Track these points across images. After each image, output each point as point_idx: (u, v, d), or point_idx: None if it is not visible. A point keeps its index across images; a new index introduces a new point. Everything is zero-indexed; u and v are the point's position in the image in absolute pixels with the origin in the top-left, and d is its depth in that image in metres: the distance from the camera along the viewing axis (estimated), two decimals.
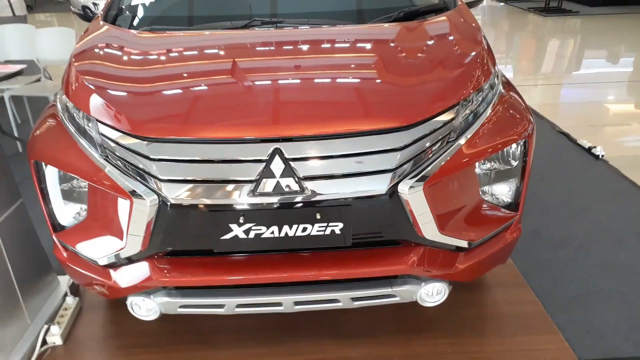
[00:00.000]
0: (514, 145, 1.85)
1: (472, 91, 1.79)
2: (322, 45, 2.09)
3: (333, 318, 2.21)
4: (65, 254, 1.88)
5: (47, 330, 2.14)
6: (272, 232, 1.62)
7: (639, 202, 3.24)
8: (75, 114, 1.81)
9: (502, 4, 11.70)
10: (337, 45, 2.10)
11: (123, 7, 2.44)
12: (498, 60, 7.01)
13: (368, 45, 2.10)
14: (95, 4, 2.63)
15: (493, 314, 2.26)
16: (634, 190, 3.37)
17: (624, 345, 2.14)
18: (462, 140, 1.72)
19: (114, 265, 1.76)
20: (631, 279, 2.53)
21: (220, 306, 1.76)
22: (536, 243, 2.83)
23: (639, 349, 2.12)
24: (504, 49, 8.21)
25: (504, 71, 6.60)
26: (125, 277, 1.75)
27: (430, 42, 2.10)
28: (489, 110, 1.84)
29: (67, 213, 1.87)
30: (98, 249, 1.75)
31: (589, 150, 3.91)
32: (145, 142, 1.61)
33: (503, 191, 1.89)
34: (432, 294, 1.85)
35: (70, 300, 2.32)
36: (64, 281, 2.42)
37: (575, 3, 10.47)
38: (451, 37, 2.14)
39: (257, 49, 2.07)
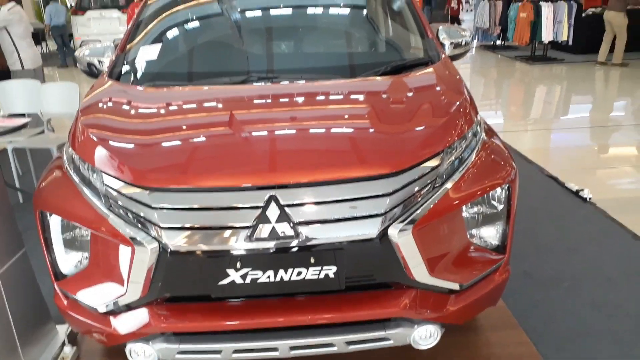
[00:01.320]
0: (498, 190, 1.94)
1: (456, 139, 1.90)
2: (315, 98, 2.22)
3: None
4: (65, 302, 1.93)
5: None
6: (268, 277, 1.68)
7: (626, 242, 3.32)
8: (80, 166, 1.90)
9: (491, 52, 12.12)
10: (328, 97, 2.23)
11: (127, 63, 2.58)
12: (489, 106, 7.18)
13: (358, 97, 2.23)
14: (100, 62, 2.77)
15: (486, 356, 2.29)
16: (621, 232, 3.45)
17: None
18: (448, 185, 1.81)
19: (114, 312, 1.80)
20: (621, 318, 2.57)
21: (218, 352, 1.79)
22: (528, 284, 2.87)
23: None
24: (493, 95, 8.48)
25: (494, 117, 6.84)
26: (124, 323, 1.79)
27: (415, 94, 2.23)
28: (473, 156, 1.95)
29: (69, 261, 1.93)
30: (98, 296, 1.80)
31: (576, 193, 4.01)
32: (147, 191, 1.69)
33: (490, 234, 1.97)
34: (425, 336, 1.88)
35: (68, 350, 2.33)
36: (62, 330, 2.44)
37: (559, 51, 10.87)
38: (435, 89, 2.28)
39: (253, 102, 2.19)
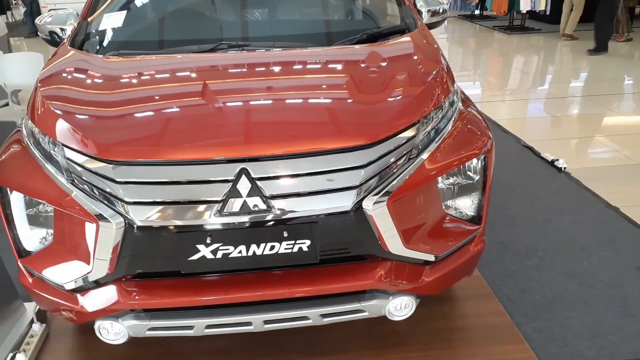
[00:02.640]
0: (474, 160, 1.92)
1: (432, 109, 1.86)
2: (287, 67, 2.15)
3: (307, 335, 2.22)
4: (30, 280, 1.86)
5: (13, 358, 2.09)
6: (240, 252, 1.64)
7: (600, 212, 3.36)
8: (40, 139, 1.81)
9: (469, 22, 12.04)
10: (301, 66, 2.16)
11: (90, 32, 2.45)
12: (467, 76, 7.16)
13: (332, 67, 2.16)
14: (62, 29, 2.63)
15: (462, 326, 2.30)
16: (595, 201, 3.50)
17: (587, 352, 2.20)
18: (424, 156, 1.78)
19: (81, 290, 1.75)
20: (593, 286, 2.62)
21: (190, 327, 1.76)
22: (503, 254, 2.90)
23: (602, 354, 2.19)
24: (471, 65, 8.44)
25: (472, 87, 6.83)
26: (92, 301, 1.74)
27: (391, 63, 2.17)
28: (449, 126, 1.91)
29: (33, 238, 1.85)
30: (64, 273, 1.74)
31: (552, 163, 4.04)
32: (112, 165, 1.62)
33: (466, 205, 1.95)
34: (400, 307, 1.88)
35: (37, 328, 2.27)
36: (31, 308, 2.37)
37: (537, 21, 10.85)
38: (412, 58, 2.22)
39: (224, 71, 2.11)
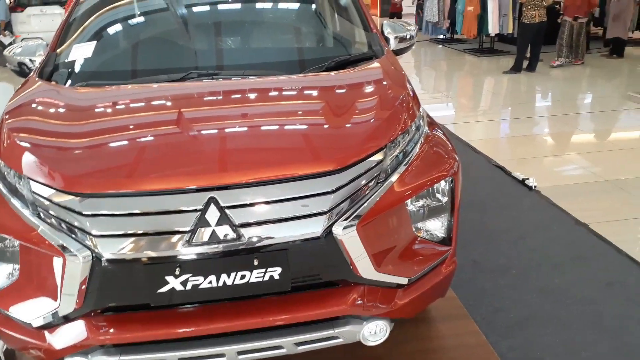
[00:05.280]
0: (442, 182, 1.95)
1: (399, 133, 1.90)
2: (256, 95, 2.16)
3: None
4: None
5: None
6: (210, 282, 1.62)
7: (570, 229, 3.43)
8: (6, 173, 1.78)
9: (440, 46, 12.34)
10: (270, 94, 2.18)
11: (59, 63, 2.44)
12: (439, 98, 7.30)
13: (300, 94, 2.19)
14: (32, 60, 2.61)
15: (438, 347, 2.31)
16: (565, 218, 3.57)
17: None
18: (392, 179, 1.80)
19: (49, 326, 1.70)
20: (566, 302, 2.66)
21: None
22: (477, 273, 2.93)
23: None
24: (444, 88, 8.63)
25: (445, 109, 6.97)
26: (60, 337, 1.69)
27: (358, 89, 2.21)
28: (417, 150, 1.95)
29: None
30: (31, 310, 1.70)
31: (522, 182, 4.12)
32: (78, 197, 1.60)
33: (435, 227, 1.98)
34: (374, 332, 1.87)
35: None
36: None
37: (506, 44, 11.17)
38: (378, 84, 2.27)
39: (192, 100, 2.11)
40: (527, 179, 4.10)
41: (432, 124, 2.24)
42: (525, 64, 8.79)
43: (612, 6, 9.51)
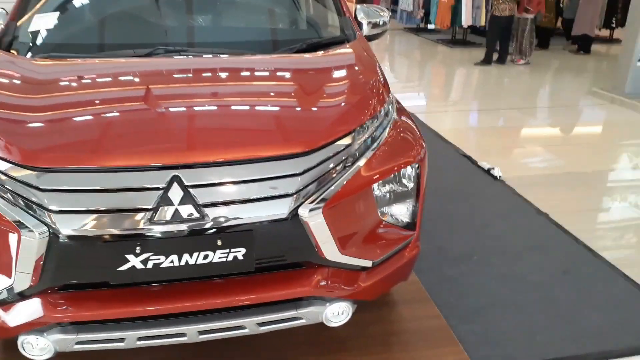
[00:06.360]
0: (408, 168, 1.97)
1: (367, 118, 1.90)
2: (225, 74, 2.13)
3: (248, 344, 2.20)
4: None
5: None
6: (172, 261, 1.61)
7: (531, 218, 3.53)
8: None
9: (414, 35, 12.40)
10: (241, 74, 2.15)
11: (19, 33, 2.35)
12: (411, 87, 7.33)
13: (270, 75, 2.17)
14: None
15: (399, 330, 2.35)
16: (527, 208, 3.67)
17: (516, 352, 2.30)
18: (359, 164, 1.81)
19: (3, 303, 1.66)
20: (525, 289, 2.74)
21: (120, 340, 1.69)
22: (441, 259, 2.98)
23: (530, 354, 2.29)
24: (416, 77, 8.69)
25: (416, 99, 7.02)
26: (15, 315, 1.65)
27: (329, 73, 2.20)
28: (384, 135, 1.96)
29: None
30: None
31: (488, 171, 4.21)
32: (36, 172, 1.55)
33: (400, 212, 2.00)
34: (337, 313, 1.89)
35: None
36: None
37: (478, 36, 11.31)
38: (349, 68, 2.26)
39: (157, 77, 2.07)
40: (493, 168, 4.19)
41: (400, 110, 2.25)
42: (495, 56, 8.92)
43: (581, 3, 9.71)
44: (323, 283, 1.79)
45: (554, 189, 4.05)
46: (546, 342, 2.36)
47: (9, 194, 1.58)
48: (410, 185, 1.99)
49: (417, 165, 1.98)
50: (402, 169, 1.94)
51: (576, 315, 2.54)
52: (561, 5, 10.60)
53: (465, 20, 10.30)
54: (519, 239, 3.25)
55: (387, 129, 2.00)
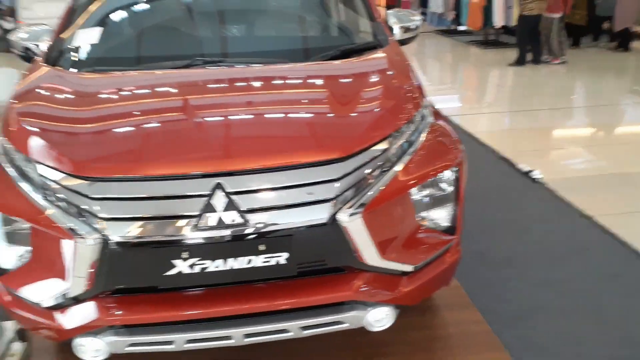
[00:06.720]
0: (447, 172, 1.96)
1: (404, 122, 1.91)
2: (263, 83, 2.18)
3: (289, 348, 2.21)
4: (9, 298, 1.84)
5: None
6: (217, 266, 1.65)
7: (573, 221, 3.44)
8: (14, 156, 1.81)
9: (445, 37, 12.27)
10: (277, 82, 2.19)
11: (65, 48, 2.45)
12: (444, 90, 7.28)
13: (306, 82, 2.20)
14: (37, 45, 2.62)
15: (442, 335, 2.33)
16: (570, 210, 3.58)
17: (564, 359, 2.24)
18: (396, 168, 1.82)
19: (59, 307, 1.73)
20: (570, 294, 2.67)
21: (170, 342, 1.74)
22: (481, 264, 2.94)
23: None
24: (449, 80, 8.60)
25: (450, 101, 6.95)
26: (71, 318, 1.73)
27: (363, 78, 2.22)
28: (421, 139, 1.96)
29: (10, 256, 1.83)
30: (42, 291, 1.73)
31: (527, 174, 4.12)
32: (87, 182, 1.63)
33: (440, 216, 1.99)
34: (378, 318, 1.88)
35: (17, 346, 2.23)
36: (10, 327, 2.33)
37: (511, 36, 11.10)
38: (383, 73, 2.28)
39: (198, 87, 2.13)
40: (532, 171, 4.10)
41: (436, 114, 2.24)
42: (530, 56, 8.72)
43: None
44: (364, 288, 1.80)
45: (597, 191, 3.94)
46: (595, 348, 2.30)
47: (62, 203, 1.66)
48: (450, 189, 1.98)
49: (456, 169, 1.97)
50: (440, 173, 1.93)
51: (625, 322, 2.46)
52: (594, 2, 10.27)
53: (498, 20, 10.14)
54: (562, 242, 3.17)
55: (424, 133, 2.00)
